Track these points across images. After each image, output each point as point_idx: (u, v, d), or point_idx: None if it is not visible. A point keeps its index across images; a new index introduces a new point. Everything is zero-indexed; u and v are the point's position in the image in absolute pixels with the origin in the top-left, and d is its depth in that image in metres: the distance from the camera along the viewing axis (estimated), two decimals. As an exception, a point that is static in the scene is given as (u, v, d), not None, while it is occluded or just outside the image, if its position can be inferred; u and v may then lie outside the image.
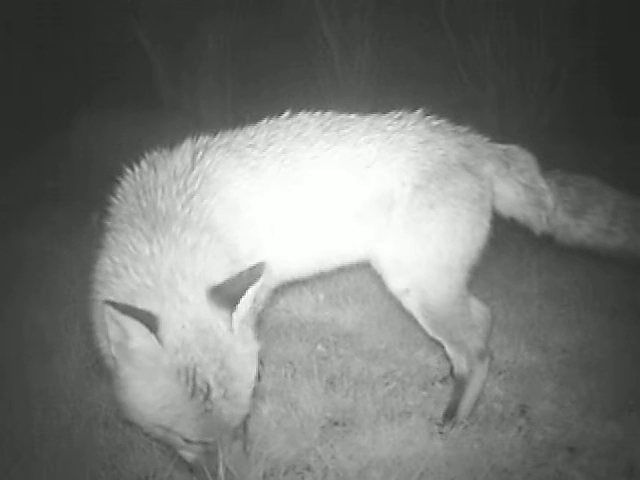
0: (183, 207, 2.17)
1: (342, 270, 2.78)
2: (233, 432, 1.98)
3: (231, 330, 1.93)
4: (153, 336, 1.81)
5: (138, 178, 2.30)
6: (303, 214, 2.43)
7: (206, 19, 8.01)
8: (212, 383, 1.86)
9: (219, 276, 2.01)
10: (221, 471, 2.18)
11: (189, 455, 2.03)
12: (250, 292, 1.95)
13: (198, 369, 1.84)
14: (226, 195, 2.28)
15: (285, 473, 2.27)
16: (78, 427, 2.52)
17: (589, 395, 2.74)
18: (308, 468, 2.31)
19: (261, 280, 1.96)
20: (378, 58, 7.86)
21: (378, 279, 2.63)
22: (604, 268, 3.56)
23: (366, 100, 7.90)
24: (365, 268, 2.75)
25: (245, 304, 1.95)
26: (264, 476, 2.25)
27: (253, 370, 1.99)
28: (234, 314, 1.93)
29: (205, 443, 1.96)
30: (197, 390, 1.84)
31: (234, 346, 1.92)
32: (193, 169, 2.28)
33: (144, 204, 2.19)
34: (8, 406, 2.60)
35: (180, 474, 2.25)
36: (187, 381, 1.84)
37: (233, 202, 2.29)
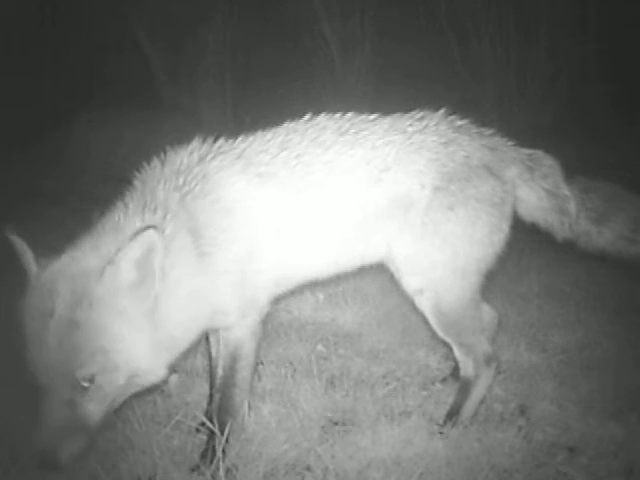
0: (177, 203, 2.20)
1: (362, 270, 2.76)
2: (61, 386, 1.90)
3: (99, 280, 1.94)
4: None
5: (149, 171, 2.34)
6: (313, 218, 2.41)
7: (206, 19, 8.02)
8: (57, 309, 1.90)
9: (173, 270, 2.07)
10: (221, 472, 2.19)
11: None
12: (127, 250, 1.94)
13: (58, 300, 1.91)
14: (222, 195, 2.27)
15: (285, 473, 2.27)
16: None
17: (589, 395, 2.74)
18: (308, 468, 2.30)
19: (142, 241, 1.94)
20: (378, 58, 7.87)
21: (378, 279, 2.63)
22: (604, 268, 3.56)
23: (366, 100, 7.91)
24: (365, 268, 2.75)
25: (126, 261, 1.94)
26: (264, 476, 2.25)
27: (110, 333, 1.94)
28: (107, 266, 1.93)
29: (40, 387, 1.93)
30: (42, 309, 1.91)
31: (98, 297, 1.93)
32: (195, 168, 2.29)
33: (146, 192, 2.24)
34: (8, 406, 2.60)
35: (180, 474, 2.25)
36: (40, 301, 1.93)
37: (229, 203, 2.27)
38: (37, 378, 1.93)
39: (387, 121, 2.53)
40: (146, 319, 2.00)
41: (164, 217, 2.15)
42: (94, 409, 1.96)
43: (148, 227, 1.98)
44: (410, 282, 2.51)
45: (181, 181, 2.25)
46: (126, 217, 2.16)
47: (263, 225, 2.33)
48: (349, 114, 2.53)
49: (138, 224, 2.09)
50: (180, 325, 2.13)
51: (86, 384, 1.92)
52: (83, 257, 2.04)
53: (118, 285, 1.96)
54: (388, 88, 7.52)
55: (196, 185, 2.25)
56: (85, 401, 1.93)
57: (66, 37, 8.05)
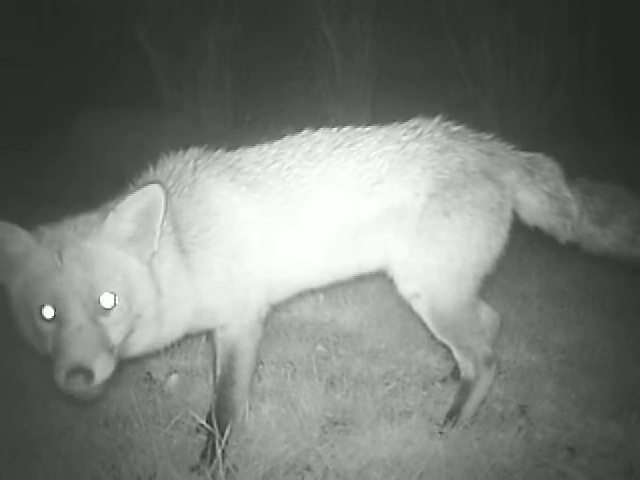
0: None
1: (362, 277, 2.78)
2: (85, 306, 1.95)
3: (101, 225, 2.05)
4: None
5: (143, 175, 2.42)
6: (302, 228, 2.44)
7: (207, 21, 8.02)
8: (65, 247, 1.98)
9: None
10: (221, 472, 2.19)
11: (47, 345, 1.99)
12: (131, 200, 2.03)
13: (65, 241, 2.01)
14: (206, 199, 2.34)
15: (285, 473, 2.27)
16: (78, 427, 2.52)
17: (589, 395, 2.74)
18: (308, 468, 2.31)
19: (146, 194, 2.03)
20: (378, 59, 7.87)
21: (378, 279, 2.63)
22: (604, 268, 3.57)
23: (366, 101, 7.91)
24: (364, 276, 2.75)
25: (128, 211, 2.04)
26: (264, 476, 2.25)
27: (120, 260, 2.04)
28: (110, 213, 2.04)
29: (59, 320, 1.94)
30: (50, 252, 1.98)
31: (102, 237, 2.04)
32: (187, 174, 2.37)
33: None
34: (8, 406, 2.60)
35: (180, 474, 2.25)
36: (48, 247, 2.00)
37: (213, 207, 2.34)
38: (59, 309, 1.94)
39: (382, 132, 2.55)
40: (147, 270, 2.09)
41: None
42: (117, 334, 2.01)
43: (154, 182, 2.07)
44: (406, 287, 2.52)
45: (170, 183, 2.33)
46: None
47: (249, 231, 2.37)
48: (346, 128, 2.56)
49: None
50: (168, 302, 2.17)
51: (109, 304, 1.97)
52: (82, 217, 2.13)
53: (118, 233, 2.04)
54: (388, 90, 7.52)
55: (184, 188, 2.34)
56: (109, 322, 1.98)
57: (67, 37, 8.05)
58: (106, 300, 1.97)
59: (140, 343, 2.15)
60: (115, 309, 1.98)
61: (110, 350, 1.98)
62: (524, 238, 2.74)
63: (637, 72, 6.69)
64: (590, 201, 2.58)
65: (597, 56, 7.19)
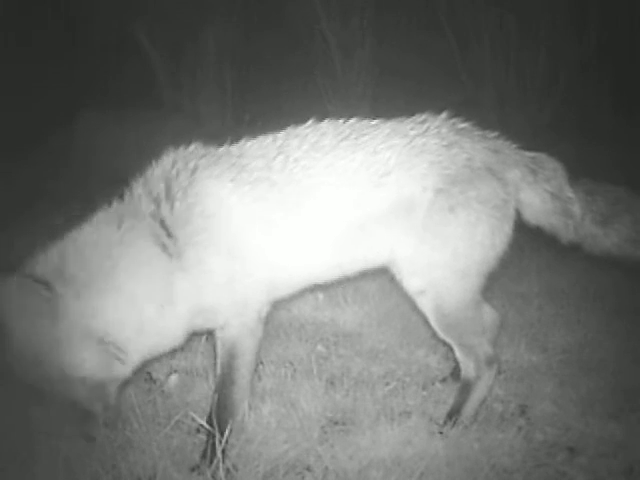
0: (148, 207, 2.32)
1: (366, 273, 2.77)
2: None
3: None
4: None
5: (145, 172, 2.43)
6: (309, 222, 2.43)
7: (207, 20, 8.03)
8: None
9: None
10: (221, 472, 2.19)
11: None
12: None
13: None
14: (202, 201, 2.33)
15: (285, 473, 2.27)
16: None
17: (589, 395, 2.74)
18: (308, 468, 2.31)
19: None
20: (378, 58, 7.87)
21: (378, 279, 2.63)
22: (604, 268, 3.56)
23: (366, 99, 7.91)
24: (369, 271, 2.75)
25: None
26: (264, 476, 2.25)
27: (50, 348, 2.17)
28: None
29: None
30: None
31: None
32: (185, 173, 2.36)
33: (133, 192, 2.38)
34: (8, 406, 2.60)
35: (180, 474, 2.25)
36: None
37: (209, 208, 2.33)
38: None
39: (389, 125, 2.54)
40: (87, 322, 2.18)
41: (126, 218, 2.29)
42: (91, 398, 2.23)
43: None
44: (411, 283, 2.52)
45: (162, 186, 2.34)
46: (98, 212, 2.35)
47: (250, 230, 2.36)
48: (352, 120, 2.54)
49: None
50: (144, 318, 2.24)
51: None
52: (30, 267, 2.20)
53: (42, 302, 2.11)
54: (388, 88, 7.51)
55: (178, 191, 2.33)
56: (77, 397, 2.19)
57: (68, 39, 8.05)
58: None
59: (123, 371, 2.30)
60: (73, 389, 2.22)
61: (90, 413, 2.27)
62: (524, 238, 2.74)
63: (638, 72, 6.69)
64: (592, 201, 2.59)
65: (597, 56, 7.19)
